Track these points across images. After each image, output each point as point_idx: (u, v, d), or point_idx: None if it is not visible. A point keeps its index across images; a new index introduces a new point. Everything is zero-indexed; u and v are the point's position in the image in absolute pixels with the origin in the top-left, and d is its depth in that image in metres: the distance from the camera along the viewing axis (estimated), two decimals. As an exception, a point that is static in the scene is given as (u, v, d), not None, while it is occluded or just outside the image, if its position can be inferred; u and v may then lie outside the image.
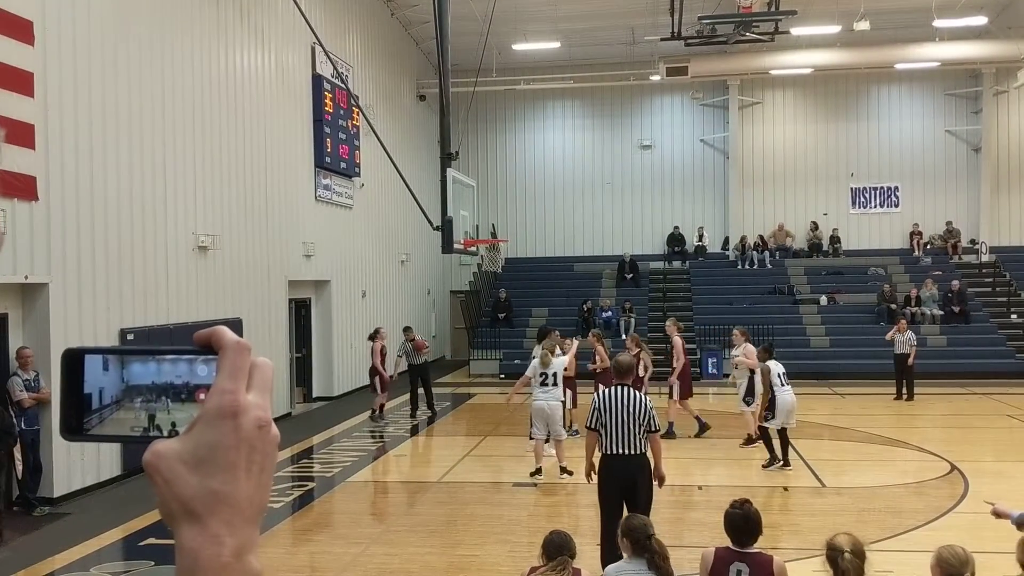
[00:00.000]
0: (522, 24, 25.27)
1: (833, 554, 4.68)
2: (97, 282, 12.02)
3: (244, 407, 0.77)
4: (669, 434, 15.06)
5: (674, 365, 15.32)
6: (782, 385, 12.58)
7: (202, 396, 0.81)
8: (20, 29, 10.37)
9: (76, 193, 11.56)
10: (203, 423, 0.77)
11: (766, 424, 12.65)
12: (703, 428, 15.17)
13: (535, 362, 12.85)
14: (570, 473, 12.12)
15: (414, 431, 17.06)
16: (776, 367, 12.73)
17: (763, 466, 12.61)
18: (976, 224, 28.81)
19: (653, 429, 8.23)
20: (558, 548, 5.32)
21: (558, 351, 13.45)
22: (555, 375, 12.60)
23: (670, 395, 15.45)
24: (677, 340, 15.59)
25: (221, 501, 0.76)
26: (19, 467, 10.70)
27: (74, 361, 0.83)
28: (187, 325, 13.79)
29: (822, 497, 11.42)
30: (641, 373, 14.48)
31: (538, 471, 12.39)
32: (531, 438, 13.13)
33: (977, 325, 24.58)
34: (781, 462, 12.53)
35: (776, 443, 12.60)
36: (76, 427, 0.83)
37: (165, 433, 0.82)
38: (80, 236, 11.65)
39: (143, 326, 12.82)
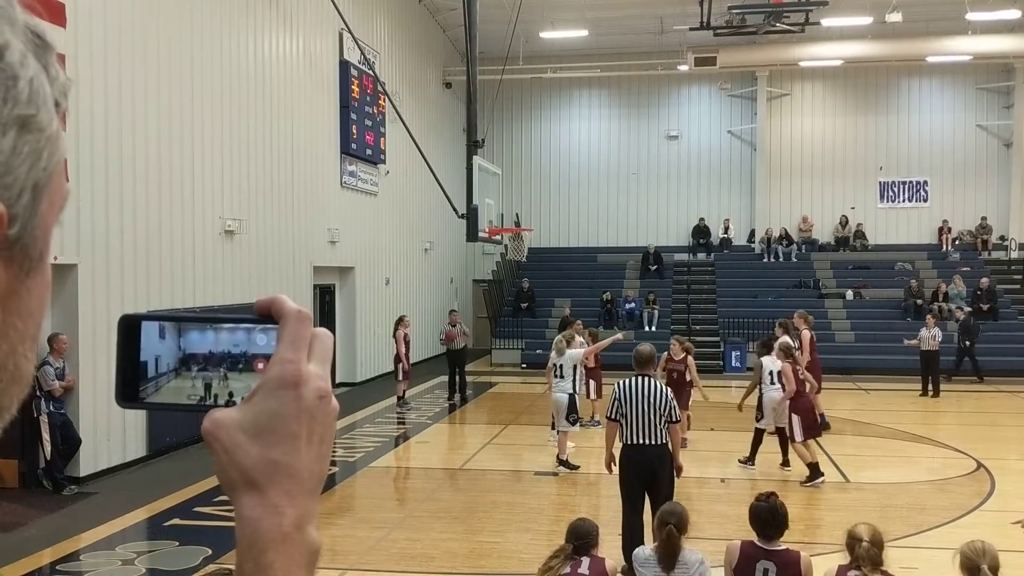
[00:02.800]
0: (550, 12, 25.18)
1: (852, 542, 4.79)
2: (125, 264, 12.12)
3: (306, 377, 0.77)
4: (823, 425, 13.78)
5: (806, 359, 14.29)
6: (771, 384, 12.12)
7: (260, 366, 0.80)
8: (53, 10, 10.43)
9: (105, 175, 11.65)
10: (264, 392, 0.77)
11: (759, 425, 12.29)
12: (825, 425, 14.33)
13: (552, 354, 12.96)
14: (569, 467, 12.14)
15: (436, 418, 17.11)
16: (770, 364, 12.22)
17: (740, 461, 12.33)
18: (1006, 220, 28.46)
19: (674, 420, 8.21)
20: (570, 534, 5.34)
21: (580, 340, 13.44)
22: (562, 367, 12.63)
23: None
24: (806, 334, 14.83)
25: (282, 471, 0.76)
26: (47, 448, 10.84)
27: (131, 328, 0.82)
28: (208, 310, 13.88)
29: (845, 492, 11.35)
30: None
31: (564, 462, 12.37)
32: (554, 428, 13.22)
33: (1005, 322, 24.30)
34: (753, 465, 12.18)
35: (789, 447, 12.01)
36: (132, 395, 0.82)
37: (222, 403, 0.81)
38: (109, 218, 11.75)
39: (169, 309, 12.91)
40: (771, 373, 12.14)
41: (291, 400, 0.76)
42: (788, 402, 11.60)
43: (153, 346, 0.82)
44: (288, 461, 0.76)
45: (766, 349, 12.63)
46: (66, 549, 8.85)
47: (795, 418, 11.50)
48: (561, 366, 12.65)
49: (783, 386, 11.76)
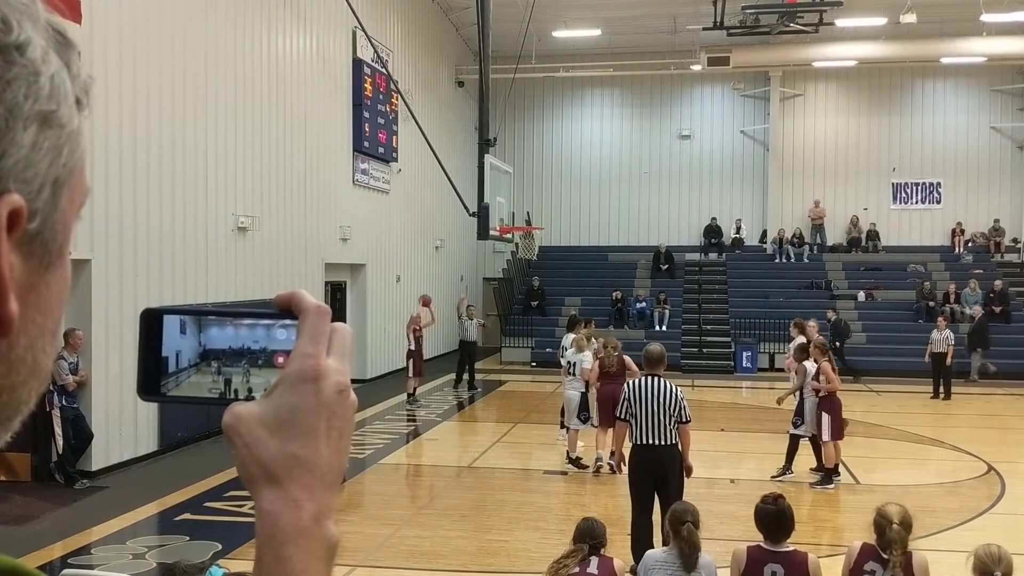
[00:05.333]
0: (563, 11, 25.16)
1: (881, 522, 4.89)
2: (138, 260, 12.18)
3: (325, 372, 0.78)
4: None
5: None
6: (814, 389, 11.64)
7: (280, 361, 0.81)
8: (70, 7, 10.49)
9: (119, 171, 11.70)
10: (284, 387, 0.78)
11: (796, 432, 11.81)
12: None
13: (570, 351, 12.99)
14: (579, 466, 12.18)
15: (446, 415, 17.14)
16: (813, 370, 11.68)
17: (772, 477, 11.60)
18: (1019, 223, 28.33)
19: (684, 420, 8.19)
20: (582, 534, 5.29)
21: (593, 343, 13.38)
22: (573, 365, 12.70)
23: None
24: (816, 338, 14.67)
25: (301, 465, 0.77)
26: (59, 442, 10.90)
27: (153, 321, 0.84)
28: (225, 305, 13.94)
29: (855, 494, 11.30)
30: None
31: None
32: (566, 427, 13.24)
33: (1017, 325, 24.18)
34: (791, 472, 11.69)
35: (828, 454, 11.48)
36: (153, 388, 0.84)
37: (242, 397, 0.83)
38: (122, 214, 11.80)
39: (182, 304, 12.95)
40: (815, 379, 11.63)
41: (310, 394, 0.77)
42: (819, 400, 11.41)
43: (174, 341, 0.83)
44: (307, 455, 0.77)
45: (805, 354, 12.06)
46: (77, 543, 8.90)
47: (825, 417, 11.30)
48: (573, 364, 12.67)
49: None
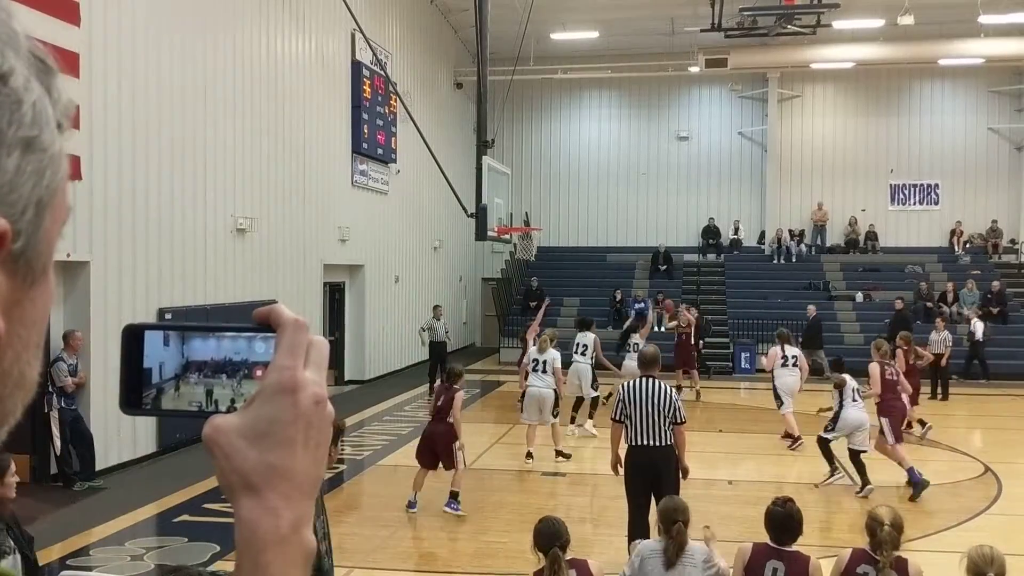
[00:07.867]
0: (561, 13, 25.18)
1: (873, 524, 5.01)
2: (137, 261, 12.20)
3: (303, 383, 0.80)
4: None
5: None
6: (853, 400, 11.31)
7: (259, 373, 0.84)
8: (67, 10, 10.51)
9: (119, 173, 11.73)
10: (262, 398, 0.80)
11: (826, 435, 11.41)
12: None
13: (533, 349, 13.48)
14: (566, 456, 12.79)
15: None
16: (851, 381, 11.39)
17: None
18: (1017, 224, 28.35)
19: (679, 421, 8.22)
20: (548, 538, 5.11)
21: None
22: (545, 363, 13.04)
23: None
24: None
25: (279, 475, 0.79)
26: (57, 443, 10.91)
27: (134, 336, 0.86)
28: (224, 306, 13.97)
29: (853, 495, 11.32)
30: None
31: (529, 455, 12.71)
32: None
33: (1015, 326, 24.20)
34: (871, 487, 11.06)
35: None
36: (135, 401, 0.86)
37: (223, 409, 0.85)
38: (121, 216, 11.82)
39: (181, 306, 13.00)
40: (855, 390, 11.38)
41: (288, 405, 0.79)
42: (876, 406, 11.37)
43: (157, 352, 0.86)
44: (285, 465, 0.79)
45: (840, 367, 11.79)
46: (76, 544, 8.92)
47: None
48: (545, 362, 13.05)
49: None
